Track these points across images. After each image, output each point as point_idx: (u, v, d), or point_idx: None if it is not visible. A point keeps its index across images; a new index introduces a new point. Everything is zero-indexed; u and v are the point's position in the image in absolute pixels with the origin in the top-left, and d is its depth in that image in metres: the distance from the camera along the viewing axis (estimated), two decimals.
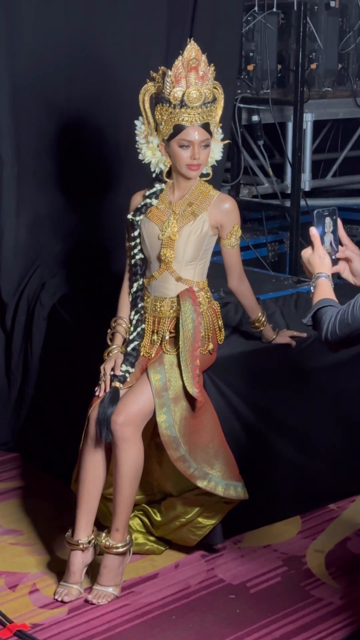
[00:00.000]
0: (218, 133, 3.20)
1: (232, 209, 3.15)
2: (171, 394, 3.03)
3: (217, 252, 3.28)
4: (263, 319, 3.31)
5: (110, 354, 3.16)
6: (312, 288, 2.48)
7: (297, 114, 4.84)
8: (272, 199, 5.49)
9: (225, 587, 3.11)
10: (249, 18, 5.14)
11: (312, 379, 3.51)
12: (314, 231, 2.49)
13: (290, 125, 5.35)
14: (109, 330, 3.24)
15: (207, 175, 3.20)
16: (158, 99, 3.11)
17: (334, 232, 2.52)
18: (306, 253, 2.50)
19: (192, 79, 3.04)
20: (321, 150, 6.28)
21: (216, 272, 3.37)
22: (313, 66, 5.41)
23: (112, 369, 3.12)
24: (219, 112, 3.18)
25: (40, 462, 3.98)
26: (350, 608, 2.98)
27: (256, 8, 5.03)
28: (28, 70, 4.07)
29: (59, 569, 3.20)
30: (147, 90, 3.16)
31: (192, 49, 3.05)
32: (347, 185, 6.30)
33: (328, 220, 2.51)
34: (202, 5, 4.50)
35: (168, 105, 3.06)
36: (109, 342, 3.21)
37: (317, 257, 2.49)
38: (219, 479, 3.09)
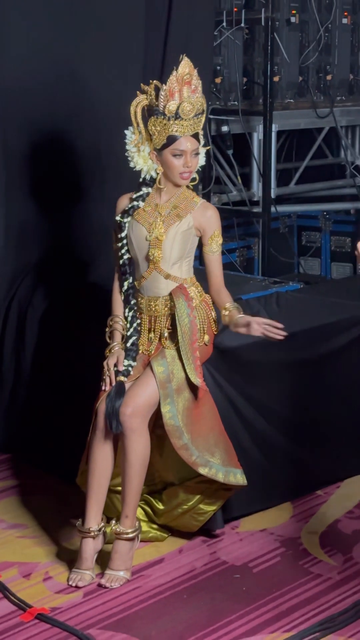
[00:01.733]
0: (202, 140, 3.40)
1: (214, 216, 3.33)
2: (174, 385, 3.20)
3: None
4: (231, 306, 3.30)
5: (112, 351, 3.32)
6: None
7: (267, 124, 5.08)
8: (240, 206, 5.73)
9: (229, 568, 3.28)
10: (215, 33, 5.37)
11: (301, 372, 3.71)
12: None
13: (255, 136, 5.59)
14: (107, 329, 3.39)
15: (193, 179, 3.39)
16: (151, 111, 3.28)
17: None
18: None
19: (185, 93, 3.22)
20: (278, 159, 6.54)
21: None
22: (276, 79, 5.66)
23: (115, 365, 3.28)
24: (203, 120, 3.37)
25: (35, 460, 4.11)
26: (348, 582, 3.18)
27: (224, 24, 5.26)
28: (13, 84, 4.24)
29: (67, 557, 3.35)
30: (140, 102, 3.33)
31: (186, 65, 3.23)
32: (308, 193, 6.57)
33: None
34: (175, 24, 4.71)
35: (163, 117, 3.23)
36: (109, 340, 3.37)
37: None
38: (219, 466, 3.27)
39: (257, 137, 5.51)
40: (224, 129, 5.39)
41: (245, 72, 5.61)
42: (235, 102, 5.42)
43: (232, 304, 3.31)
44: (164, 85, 3.21)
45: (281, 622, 2.95)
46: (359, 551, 3.37)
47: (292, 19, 5.73)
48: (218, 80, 5.41)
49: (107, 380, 3.27)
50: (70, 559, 3.33)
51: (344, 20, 6.17)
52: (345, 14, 6.13)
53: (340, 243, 6.84)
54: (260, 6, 5.37)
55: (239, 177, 5.50)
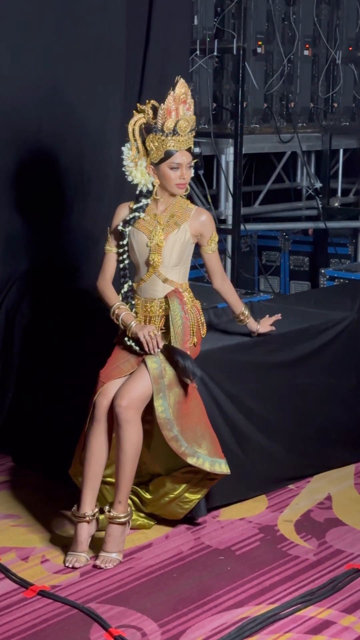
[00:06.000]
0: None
1: (209, 220, 3.64)
2: (166, 381, 3.47)
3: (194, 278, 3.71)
4: (247, 312, 3.80)
5: (133, 328, 3.49)
6: None
7: (237, 146, 5.39)
8: None
9: (214, 551, 3.55)
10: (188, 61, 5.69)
11: (277, 373, 4.00)
12: None
13: (223, 158, 5.91)
14: (113, 317, 3.56)
15: (186, 190, 3.68)
16: (149, 129, 3.55)
17: None
18: None
19: (181, 111, 3.52)
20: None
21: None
22: (244, 105, 5.99)
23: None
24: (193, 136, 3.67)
25: (22, 459, 4.33)
26: (324, 562, 3.46)
27: (198, 52, 5.59)
28: (3, 103, 4.50)
29: (62, 543, 3.58)
30: (137, 121, 3.59)
31: (182, 86, 3.52)
32: (269, 214, 6.91)
33: None
34: (153, 50, 5.02)
35: (161, 134, 3.51)
36: (122, 324, 3.53)
37: None
38: (206, 456, 3.53)
39: (225, 158, 5.83)
40: (196, 150, 5.69)
41: (214, 97, 5.94)
42: (206, 126, 5.74)
43: (245, 307, 3.80)
44: (162, 104, 3.49)
45: (265, 596, 3.22)
46: (332, 536, 3.66)
47: (258, 50, 6.08)
48: None
49: (153, 344, 3.44)
50: (64, 544, 3.56)
51: (305, 52, 6.56)
52: (307, 46, 6.52)
53: (299, 262, 7.21)
54: (229, 36, 5.70)
55: (209, 197, 5.81)
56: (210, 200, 5.81)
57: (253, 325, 3.87)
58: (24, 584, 3.29)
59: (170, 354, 3.45)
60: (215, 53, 5.61)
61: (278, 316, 3.95)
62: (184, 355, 3.43)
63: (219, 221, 5.84)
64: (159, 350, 3.47)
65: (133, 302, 3.60)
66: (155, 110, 3.52)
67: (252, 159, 7.36)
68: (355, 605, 3.16)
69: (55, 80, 4.67)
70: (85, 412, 3.52)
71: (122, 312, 3.56)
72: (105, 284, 3.66)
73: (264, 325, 3.90)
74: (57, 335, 4.28)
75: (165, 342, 3.49)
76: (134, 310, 3.59)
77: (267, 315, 3.94)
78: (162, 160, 3.53)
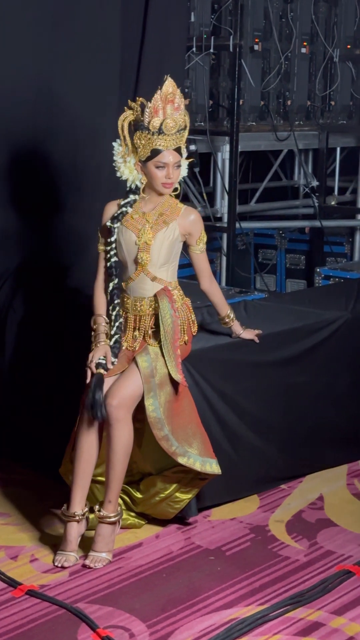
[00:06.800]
0: (185, 152, 3.67)
1: (198, 219, 3.62)
2: (157, 380, 3.45)
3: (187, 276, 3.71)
4: (232, 315, 3.78)
5: (98, 345, 3.54)
6: None
7: (233, 144, 5.37)
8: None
9: (204, 551, 3.53)
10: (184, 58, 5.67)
11: (269, 372, 3.98)
12: None
13: (220, 155, 5.89)
14: (93, 326, 3.60)
15: (175, 189, 3.66)
16: (137, 126, 3.53)
17: None
18: None
19: (169, 110, 3.49)
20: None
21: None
22: (240, 102, 5.97)
23: (102, 358, 3.49)
24: (186, 135, 3.65)
25: (13, 456, 4.31)
26: (314, 563, 3.44)
27: (194, 49, 5.56)
28: None
29: (51, 542, 3.56)
30: (127, 117, 3.58)
31: (169, 85, 3.49)
32: (265, 212, 6.89)
33: None
34: (149, 46, 4.99)
35: (147, 132, 3.49)
36: (94, 337, 3.59)
37: None
38: (197, 456, 3.51)
39: (222, 156, 5.81)
40: (192, 147, 5.68)
41: (211, 95, 5.92)
42: (202, 123, 5.72)
43: (231, 310, 3.79)
44: (149, 102, 3.47)
45: (255, 597, 3.20)
46: (323, 537, 3.64)
47: (256, 47, 6.06)
48: (186, 101, 5.69)
49: (89, 372, 3.49)
50: (53, 543, 3.55)
51: (303, 50, 6.54)
52: (305, 44, 6.50)
53: (295, 261, 7.19)
54: (227, 34, 5.68)
55: (204, 194, 5.79)
56: (206, 197, 5.80)
57: (237, 328, 3.84)
58: (12, 583, 3.27)
59: (93, 383, 3.42)
60: (211, 50, 5.60)
61: (259, 332, 3.91)
62: (96, 390, 3.39)
63: (215, 219, 5.82)
64: (88, 381, 3.45)
65: (118, 301, 3.57)
66: (143, 107, 3.50)
67: (249, 156, 7.33)
68: (345, 607, 3.14)
69: (50, 77, 4.65)
70: (77, 410, 3.50)
71: (99, 327, 3.56)
72: (97, 286, 3.64)
73: (248, 332, 3.87)
74: (49, 332, 4.26)
75: (101, 372, 3.45)
76: (117, 309, 3.56)
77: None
78: (149, 159, 3.50)
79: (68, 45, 4.69)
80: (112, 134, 4.61)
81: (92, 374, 3.47)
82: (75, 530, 3.46)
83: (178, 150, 3.54)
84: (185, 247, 3.66)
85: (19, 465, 4.25)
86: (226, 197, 5.96)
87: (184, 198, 5.89)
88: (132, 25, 4.94)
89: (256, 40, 6.02)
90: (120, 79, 4.91)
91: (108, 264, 3.59)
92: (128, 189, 3.61)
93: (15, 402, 4.36)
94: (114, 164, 3.61)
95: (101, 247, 3.63)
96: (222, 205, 5.98)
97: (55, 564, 3.41)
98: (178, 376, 3.45)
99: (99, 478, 3.61)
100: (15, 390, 4.38)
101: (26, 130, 4.61)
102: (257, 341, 3.86)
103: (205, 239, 3.65)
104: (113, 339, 3.56)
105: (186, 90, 5.72)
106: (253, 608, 3.13)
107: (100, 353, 3.51)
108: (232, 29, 5.56)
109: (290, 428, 4.10)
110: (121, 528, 3.60)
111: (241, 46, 5.88)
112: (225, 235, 5.83)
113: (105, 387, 3.44)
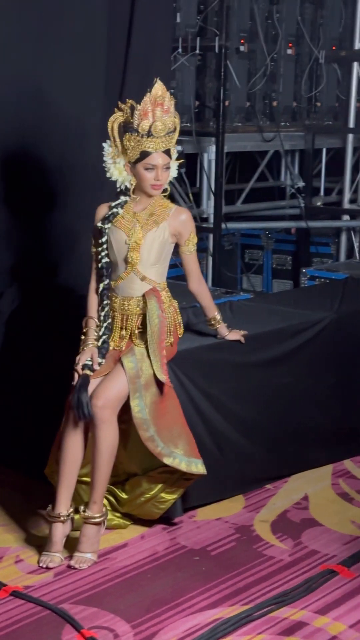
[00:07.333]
0: (174, 154, 3.68)
1: (188, 219, 3.64)
2: (142, 381, 3.46)
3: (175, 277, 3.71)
4: (218, 317, 3.80)
5: (85, 348, 3.56)
6: None
7: (219, 144, 5.38)
8: None
9: (189, 552, 3.54)
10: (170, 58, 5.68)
11: (254, 373, 3.99)
12: None
13: (206, 156, 5.91)
14: (83, 325, 3.61)
15: (165, 190, 3.67)
16: (127, 128, 3.54)
17: None
18: None
19: (158, 113, 3.50)
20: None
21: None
22: (226, 103, 5.99)
23: (88, 360, 3.51)
24: (176, 137, 3.66)
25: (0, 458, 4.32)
26: (299, 563, 3.45)
27: (180, 50, 5.57)
28: None
29: (36, 543, 3.56)
30: (116, 119, 3.59)
31: (158, 88, 3.50)
32: (252, 212, 6.91)
33: None
34: (135, 46, 5.00)
35: (137, 134, 3.50)
36: (83, 340, 3.59)
37: None
38: (182, 456, 3.52)
39: (208, 157, 5.82)
40: (178, 148, 5.65)
41: (197, 95, 5.93)
42: (188, 124, 5.73)
43: (218, 312, 3.80)
44: (138, 105, 3.48)
45: (239, 597, 3.21)
46: (307, 537, 3.66)
47: (242, 48, 6.07)
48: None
49: (75, 375, 3.50)
50: (39, 544, 3.55)
51: (289, 51, 6.55)
52: (290, 45, 6.51)
53: (281, 261, 7.21)
54: (212, 34, 5.70)
55: (190, 195, 5.80)
56: (192, 198, 5.80)
57: (223, 330, 3.86)
58: None
59: (78, 384, 3.43)
60: (197, 51, 5.61)
61: (245, 332, 3.92)
62: (81, 390, 3.40)
63: (201, 219, 5.83)
64: (73, 383, 3.46)
65: (107, 302, 3.58)
66: (133, 110, 3.50)
67: (236, 157, 7.35)
68: (328, 606, 3.15)
69: (38, 77, 4.65)
70: (63, 411, 3.50)
71: (89, 330, 3.57)
72: (91, 288, 3.65)
73: (235, 334, 3.88)
74: (37, 332, 4.25)
75: (86, 374, 3.46)
76: (106, 310, 3.57)
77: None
78: (138, 160, 3.51)
79: (54, 45, 4.68)
80: (98, 134, 4.64)
81: (79, 376, 3.48)
82: (60, 531, 3.46)
83: (167, 152, 3.55)
84: (176, 247, 3.67)
85: (4, 466, 4.24)
86: (212, 197, 5.97)
87: (170, 199, 5.87)
88: (118, 25, 4.94)
89: (242, 41, 6.03)
90: (106, 80, 4.91)
91: (99, 265, 3.60)
92: (118, 190, 3.62)
93: (1, 403, 4.36)
94: (103, 165, 3.62)
95: (93, 249, 3.64)
96: (208, 206, 6.00)
97: (40, 564, 3.42)
98: (163, 377, 3.46)
99: (85, 479, 3.61)
100: (2, 390, 4.37)
101: (14, 131, 4.61)
102: (243, 341, 3.87)
103: (195, 240, 3.66)
104: (101, 340, 3.56)
105: (172, 91, 5.70)
106: (237, 608, 3.14)
107: (87, 356, 3.51)
108: (218, 30, 5.57)
109: (276, 428, 4.11)
110: (106, 528, 3.61)
111: (227, 47, 5.89)
112: (211, 236, 5.84)
113: (91, 388, 3.45)
